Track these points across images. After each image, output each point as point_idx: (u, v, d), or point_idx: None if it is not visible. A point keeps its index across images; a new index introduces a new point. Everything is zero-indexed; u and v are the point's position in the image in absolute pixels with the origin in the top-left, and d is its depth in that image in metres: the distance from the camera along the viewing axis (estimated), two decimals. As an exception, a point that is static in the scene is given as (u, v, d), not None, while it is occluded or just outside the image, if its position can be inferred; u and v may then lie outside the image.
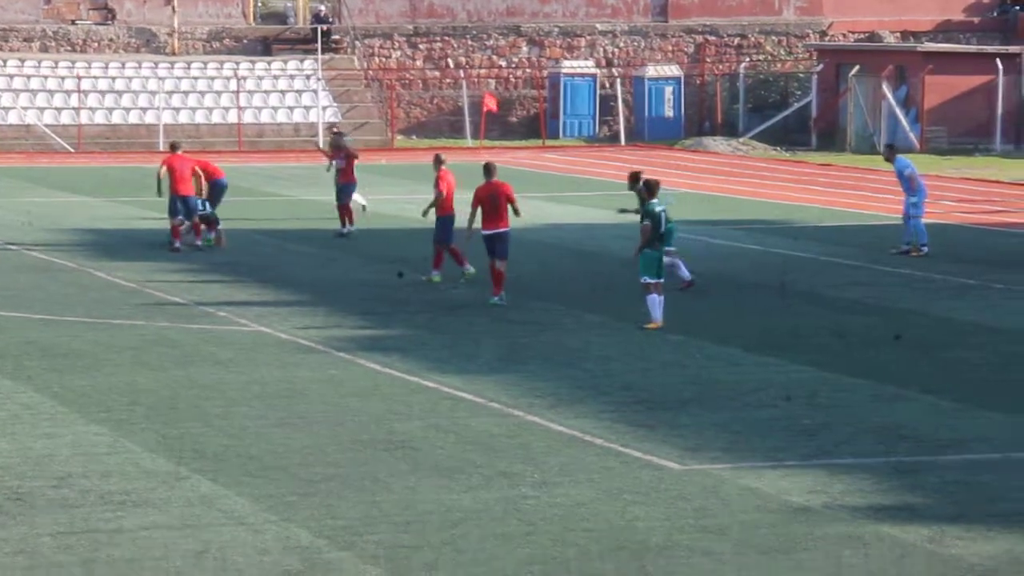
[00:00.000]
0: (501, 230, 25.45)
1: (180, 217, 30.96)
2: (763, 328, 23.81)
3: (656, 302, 23.34)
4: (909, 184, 31.70)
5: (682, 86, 62.78)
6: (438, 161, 27.90)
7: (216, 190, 31.96)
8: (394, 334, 23.14)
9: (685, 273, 26.87)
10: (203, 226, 31.40)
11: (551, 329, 23.62)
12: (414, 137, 61.17)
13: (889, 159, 32.49)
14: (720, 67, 64.51)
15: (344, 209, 32.97)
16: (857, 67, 58.55)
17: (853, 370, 20.67)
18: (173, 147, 32.31)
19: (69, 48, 60.47)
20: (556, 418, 17.89)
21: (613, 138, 61.73)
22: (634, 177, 26.90)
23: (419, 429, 17.42)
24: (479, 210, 25.46)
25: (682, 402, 18.85)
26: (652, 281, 23.31)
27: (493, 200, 25.46)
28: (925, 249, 31.25)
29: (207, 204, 31.48)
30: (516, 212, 25.70)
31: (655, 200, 23.47)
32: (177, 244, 30.89)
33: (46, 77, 58.59)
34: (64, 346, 21.81)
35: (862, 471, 15.91)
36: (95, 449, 16.42)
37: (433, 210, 27.53)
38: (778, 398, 18.95)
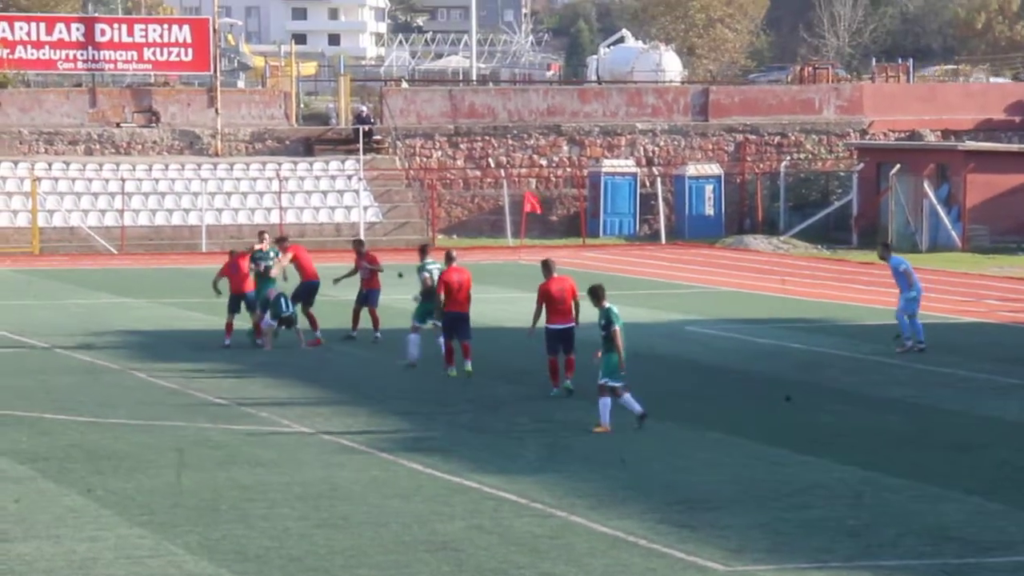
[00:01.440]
0: (568, 325, 25.74)
1: (259, 312, 31.57)
2: (805, 427, 23.70)
3: (607, 405, 23.07)
4: (905, 281, 31.86)
5: (722, 184, 62.95)
6: (448, 258, 28.50)
7: (307, 289, 32.28)
8: (436, 434, 23.12)
9: (414, 352, 28.59)
10: (281, 327, 31.71)
11: (592, 429, 23.54)
12: (455, 236, 61.39)
13: (884, 257, 32.79)
14: (761, 165, 64.67)
15: (357, 313, 32.96)
16: (898, 165, 58.60)
17: (897, 470, 20.53)
18: (232, 253, 32.92)
19: (113, 150, 61.09)
20: (599, 519, 17.82)
21: (654, 236, 61.85)
22: (422, 249, 29.80)
23: (462, 530, 17.37)
24: (543, 306, 25.69)
25: (725, 502, 18.75)
26: (617, 385, 23.12)
27: (561, 296, 25.74)
28: (909, 343, 31.35)
29: (290, 304, 31.73)
30: (576, 311, 25.91)
31: (607, 304, 23.21)
32: (227, 342, 31.47)
33: (91, 180, 59.16)
34: (107, 448, 21.86)
35: (908, 573, 15.77)
36: (138, 552, 16.42)
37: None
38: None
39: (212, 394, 26.34)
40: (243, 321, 32.42)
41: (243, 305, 32.04)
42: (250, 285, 31.91)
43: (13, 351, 31.70)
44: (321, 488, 19.42)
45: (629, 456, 21.51)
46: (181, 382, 27.55)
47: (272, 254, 32.34)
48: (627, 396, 23.21)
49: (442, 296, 27.93)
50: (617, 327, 23.10)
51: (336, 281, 33.64)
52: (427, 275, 29.29)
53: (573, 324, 25.97)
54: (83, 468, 20.53)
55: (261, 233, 33.41)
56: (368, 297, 33.03)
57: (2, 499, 18.72)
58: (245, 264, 32.07)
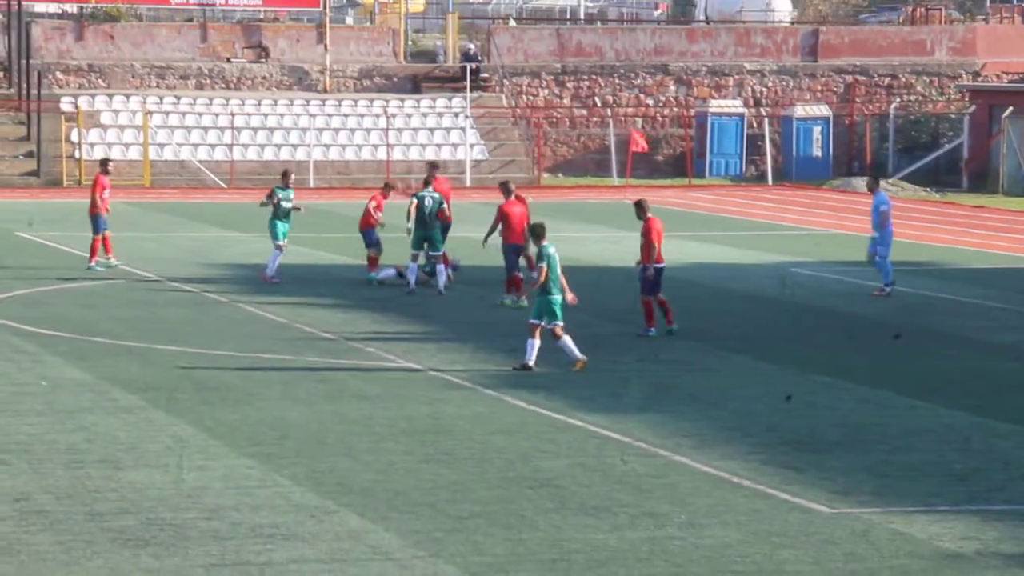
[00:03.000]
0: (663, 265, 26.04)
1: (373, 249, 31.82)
2: (913, 371, 23.52)
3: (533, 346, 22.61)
4: (880, 220, 31.38)
5: (831, 126, 62.34)
6: (507, 191, 29.62)
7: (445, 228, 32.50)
8: (540, 372, 23.15)
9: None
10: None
11: (697, 369, 23.53)
12: (560, 175, 61.30)
13: (871, 189, 32.34)
14: (870, 107, 63.97)
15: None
16: (1011, 108, 57.71)
17: (1007, 415, 20.33)
18: (387, 186, 33.38)
19: (224, 86, 61.45)
20: (703, 459, 17.81)
21: (760, 177, 61.42)
22: (428, 172, 31.63)
23: (565, 467, 17.42)
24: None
25: (830, 444, 18.68)
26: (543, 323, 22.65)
27: (661, 237, 25.87)
28: (888, 290, 31.00)
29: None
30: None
31: (546, 243, 22.77)
32: (372, 275, 31.61)
33: (201, 114, 59.59)
34: (216, 380, 22.11)
35: (1016, 518, 15.64)
36: (246, 482, 16.62)
37: (501, 238, 29.16)
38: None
39: (319, 328, 26.53)
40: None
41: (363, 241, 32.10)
42: (370, 223, 31.94)
43: (124, 282, 32.10)
44: (426, 423, 19.54)
45: (735, 397, 21.45)
46: (289, 316, 27.78)
47: (291, 194, 32.45)
48: (566, 339, 22.65)
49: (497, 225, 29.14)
50: (544, 265, 22.57)
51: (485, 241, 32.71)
52: (413, 201, 30.39)
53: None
54: (192, 399, 20.79)
55: (287, 173, 33.36)
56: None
57: (114, 428, 19.02)
58: (377, 201, 32.14)
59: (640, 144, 59.02)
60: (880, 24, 74.90)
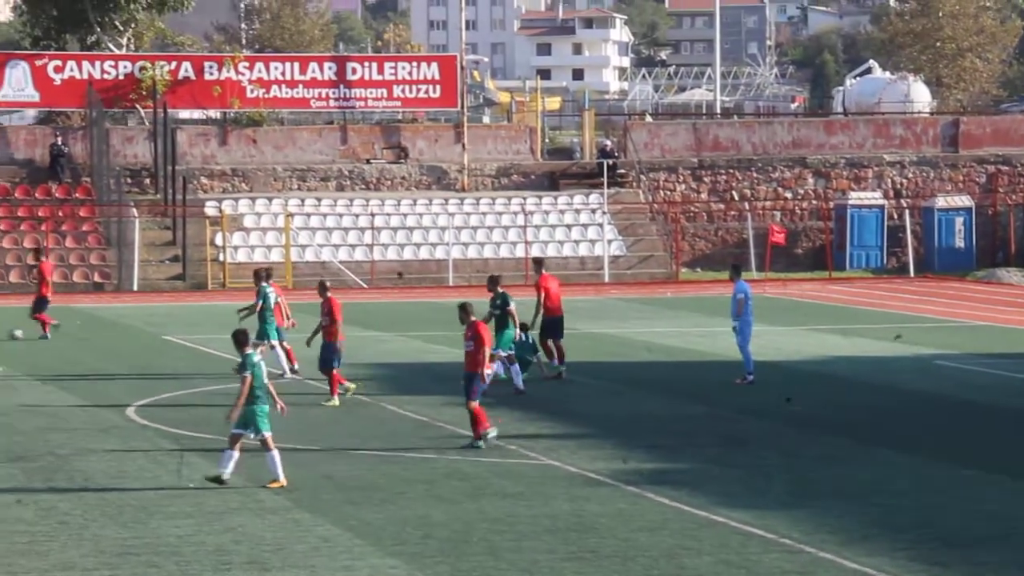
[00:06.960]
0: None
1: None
2: (1063, 464, 23.09)
3: (230, 457, 21.53)
4: (736, 308, 30.95)
5: (973, 216, 61.73)
6: (323, 288, 30.40)
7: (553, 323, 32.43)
8: (682, 467, 23.06)
9: None
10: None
11: (841, 463, 23.29)
12: (699, 270, 61.21)
13: (732, 279, 32.02)
14: (1014, 196, 63.26)
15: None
16: None
17: None
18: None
19: (363, 186, 62.27)
20: (849, 555, 17.60)
21: (902, 269, 60.89)
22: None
23: (709, 565, 17.30)
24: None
25: (979, 539, 18.37)
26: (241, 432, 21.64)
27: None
28: (750, 378, 30.72)
29: (527, 335, 31.73)
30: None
31: (249, 351, 21.90)
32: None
33: (341, 215, 60.38)
34: (359, 479, 22.26)
35: None
36: (390, 581, 16.68)
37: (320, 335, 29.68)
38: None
39: (460, 426, 26.60)
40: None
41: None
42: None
43: (281, 382, 32.37)
44: (569, 521, 19.51)
45: (880, 492, 21.20)
46: (429, 414, 27.92)
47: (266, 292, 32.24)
48: (234, 450, 21.57)
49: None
50: (248, 375, 21.61)
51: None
52: (512, 307, 30.50)
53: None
54: (335, 499, 20.93)
55: (260, 271, 33.14)
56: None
57: (260, 529, 19.21)
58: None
59: (779, 237, 58.86)
60: (1022, 113, 74.20)
